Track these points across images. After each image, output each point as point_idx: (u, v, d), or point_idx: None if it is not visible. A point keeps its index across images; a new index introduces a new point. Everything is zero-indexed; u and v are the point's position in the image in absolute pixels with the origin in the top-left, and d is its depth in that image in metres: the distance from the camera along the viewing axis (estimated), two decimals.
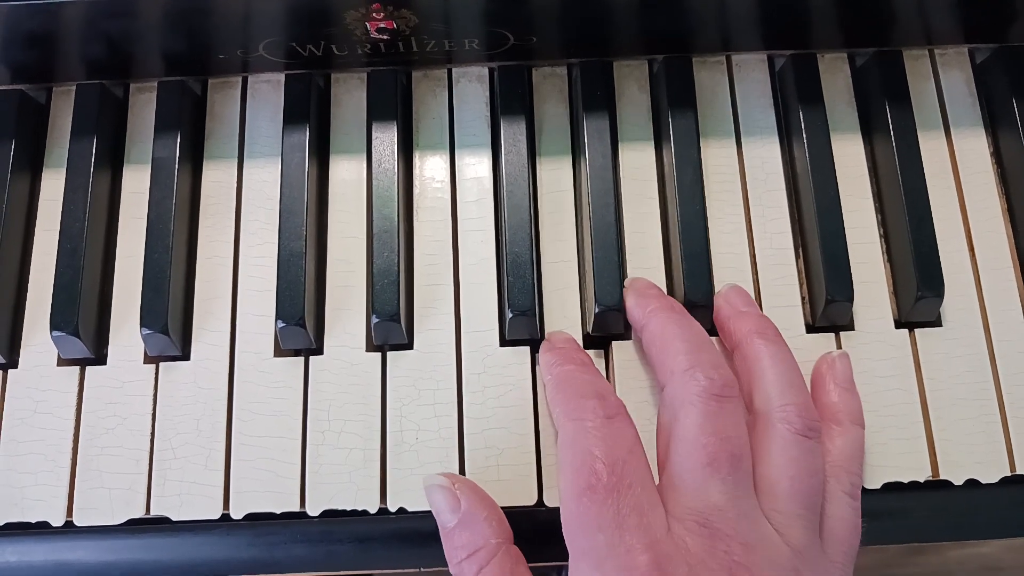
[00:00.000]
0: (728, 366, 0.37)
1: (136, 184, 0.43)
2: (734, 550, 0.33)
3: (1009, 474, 0.40)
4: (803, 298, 0.42)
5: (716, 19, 0.43)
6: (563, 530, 0.35)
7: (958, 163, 0.44)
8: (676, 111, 0.43)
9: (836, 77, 0.45)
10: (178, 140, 0.42)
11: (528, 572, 0.36)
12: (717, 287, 0.41)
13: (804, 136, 0.42)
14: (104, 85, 0.44)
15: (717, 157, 0.44)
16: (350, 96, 0.45)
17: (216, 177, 0.44)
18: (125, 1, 0.39)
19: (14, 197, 0.43)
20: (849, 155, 0.44)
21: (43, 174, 0.44)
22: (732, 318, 0.40)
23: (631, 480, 0.33)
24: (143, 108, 0.45)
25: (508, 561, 0.35)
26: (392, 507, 0.39)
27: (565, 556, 0.36)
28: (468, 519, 0.36)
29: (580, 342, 0.41)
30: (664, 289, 0.42)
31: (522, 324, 0.40)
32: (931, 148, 0.44)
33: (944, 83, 0.45)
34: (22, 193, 0.43)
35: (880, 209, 0.43)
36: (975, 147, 0.44)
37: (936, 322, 0.42)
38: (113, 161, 0.44)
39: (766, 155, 0.44)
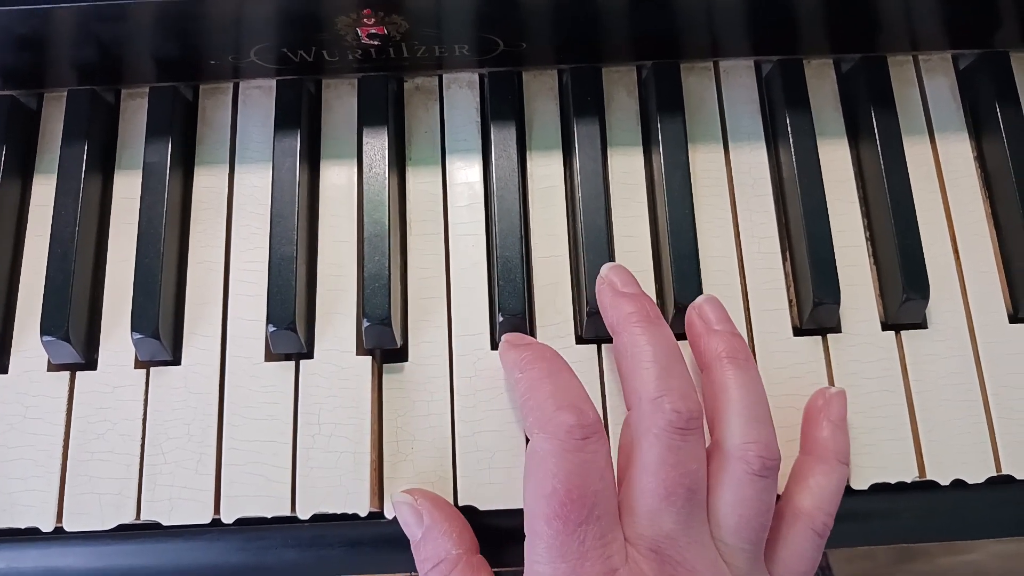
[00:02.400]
0: (695, 394, 0.36)
1: (127, 189, 0.44)
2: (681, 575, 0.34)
3: (995, 474, 0.40)
4: (790, 301, 0.42)
5: (704, 25, 0.43)
6: (526, 540, 0.35)
7: (942, 167, 0.44)
8: (665, 116, 0.43)
9: (822, 83, 0.46)
10: (169, 145, 0.43)
11: None
12: (705, 291, 0.41)
13: (791, 141, 0.43)
14: (95, 91, 0.44)
15: (705, 162, 0.44)
16: (341, 102, 0.45)
17: (207, 182, 0.44)
18: (117, 7, 0.39)
19: (5, 202, 0.43)
20: (835, 159, 0.44)
21: (34, 179, 0.44)
22: (704, 336, 0.39)
23: (599, 512, 0.34)
24: (134, 114, 0.45)
25: (469, 571, 0.36)
26: (389, 516, 0.39)
27: None
28: (430, 532, 0.37)
29: (572, 342, 0.41)
30: (653, 293, 0.42)
31: (513, 327, 0.40)
32: (916, 153, 0.44)
33: (928, 89, 0.46)
34: (13, 198, 0.43)
35: (866, 213, 0.44)
36: (959, 151, 0.45)
37: (922, 324, 0.42)
38: (104, 166, 0.44)
39: (753, 160, 0.44)
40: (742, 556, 0.35)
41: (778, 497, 0.38)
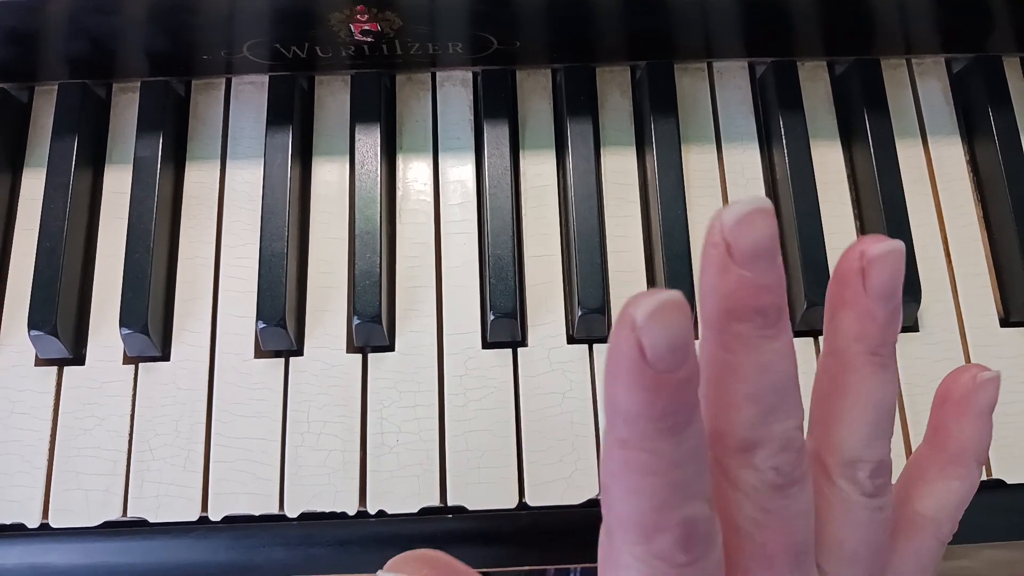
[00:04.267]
0: (801, 435, 0.26)
1: (118, 184, 0.43)
2: None
3: (985, 478, 0.40)
4: None
5: (698, 26, 0.43)
6: None
7: (935, 170, 0.44)
8: (658, 116, 0.43)
9: (816, 84, 0.46)
10: (160, 140, 0.42)
11: None
12: (697, 292, 0.41)
13: (784, 142, 0.43)
14: (87, 84, 0.43)
15: (698, 163, 0.44)
16: (334, 98, 0.45)
17: (198, 178, 0.44)
18: (109, 0, 0.39)
19: None
20: (828, 161, 0.44)
21: (24, 173, 0.44)
22: (852, 303, 0.26)
23: None
24: (126, 108, 0.45)
25: None
26: (372, 510, 0.39)
27: (546, 560, 0.36)
28: None
29: (563, 342, 0.41)
30: None
31: (504, 326, 0.40)
32: (909, 155, 0.44)
33: (921, 92, 0.46)
34: (2, 192, 0.43)
35: (859, 215, 0.44)
36: (952, 155, 0.45)
37: (914, 327, 0.42)
38: (95, 161, 0.44)
39: (746, 161, 0.44)
40: None
41: None
